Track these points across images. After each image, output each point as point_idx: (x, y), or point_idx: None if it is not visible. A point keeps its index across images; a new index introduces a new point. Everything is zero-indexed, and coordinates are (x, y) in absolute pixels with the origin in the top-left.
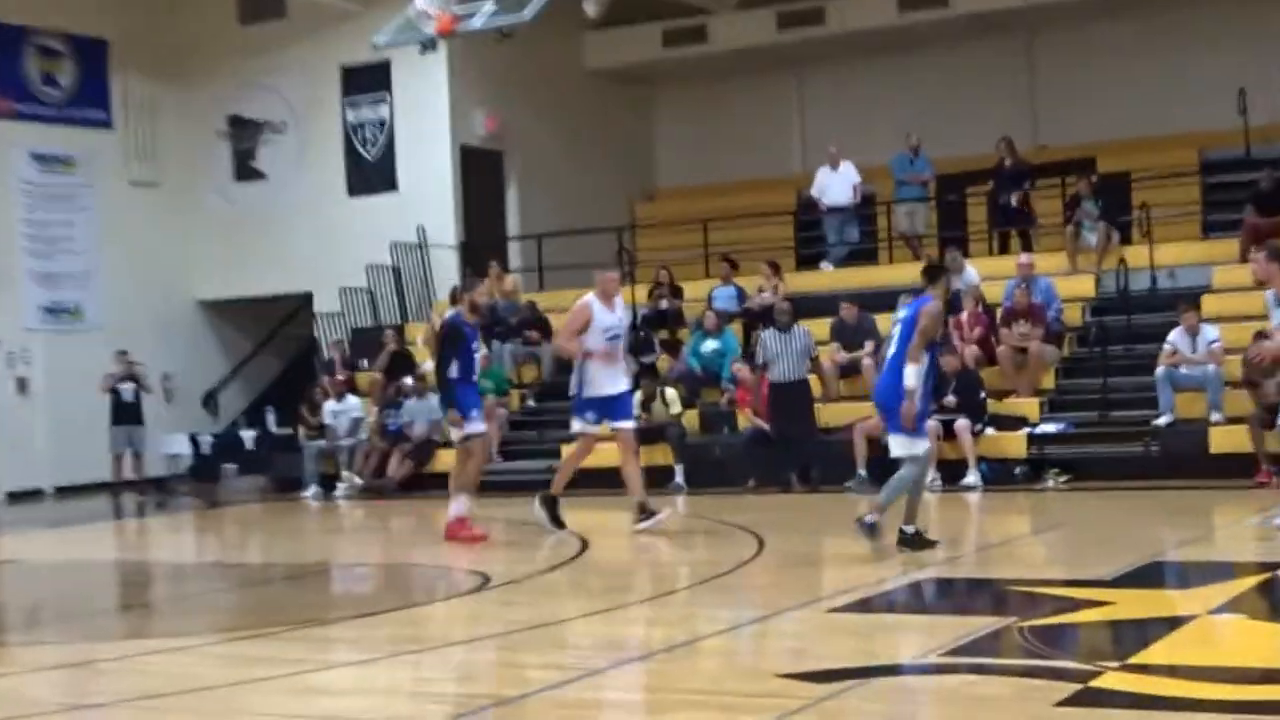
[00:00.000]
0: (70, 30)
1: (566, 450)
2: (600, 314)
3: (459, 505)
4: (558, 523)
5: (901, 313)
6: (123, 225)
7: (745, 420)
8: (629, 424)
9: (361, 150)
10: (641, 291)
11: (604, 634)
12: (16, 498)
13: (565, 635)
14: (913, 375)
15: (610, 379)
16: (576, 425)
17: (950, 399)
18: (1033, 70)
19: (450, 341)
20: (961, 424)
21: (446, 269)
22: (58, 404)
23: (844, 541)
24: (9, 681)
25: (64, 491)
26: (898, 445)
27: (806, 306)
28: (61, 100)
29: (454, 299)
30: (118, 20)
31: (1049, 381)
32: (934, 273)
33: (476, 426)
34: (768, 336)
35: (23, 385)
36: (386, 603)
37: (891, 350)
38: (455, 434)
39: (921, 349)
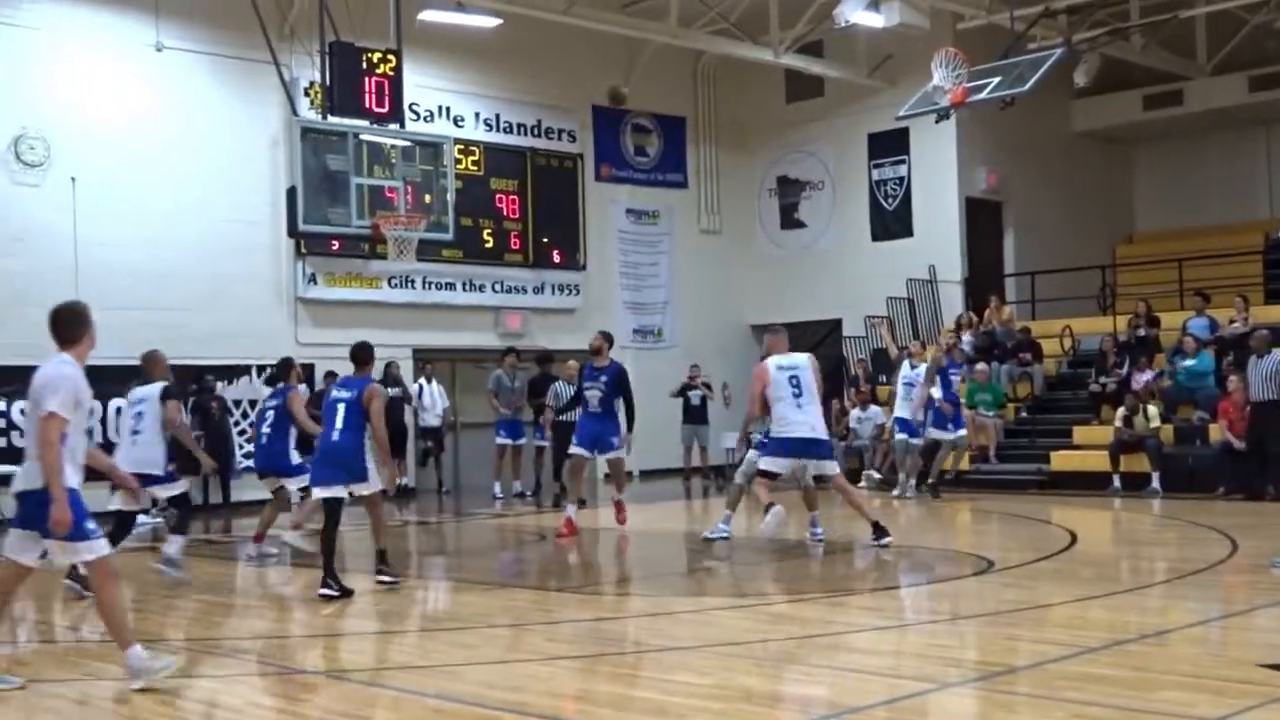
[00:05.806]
0: (658, 110)
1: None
2: None
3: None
4: None
5: None
6: (693, 265)
7: (1218, 434)
8: None
9: (883, 202)
10: (1121, 321)
11: (1093, 617)
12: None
13: (1056, 616)
14: None
15: None
16: None
17: None
18: None
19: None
20: None
21: (953, 301)
22: (642, 405)
23: None
24: (611, 625)
25: (645, 474)
26: None
27: (1277, 336)
28: (649, 166)
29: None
30: (694, 101)
31: None
32: None
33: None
34: (1249, 361)
35: None
36: (904, 579)
37: None
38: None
39: None
